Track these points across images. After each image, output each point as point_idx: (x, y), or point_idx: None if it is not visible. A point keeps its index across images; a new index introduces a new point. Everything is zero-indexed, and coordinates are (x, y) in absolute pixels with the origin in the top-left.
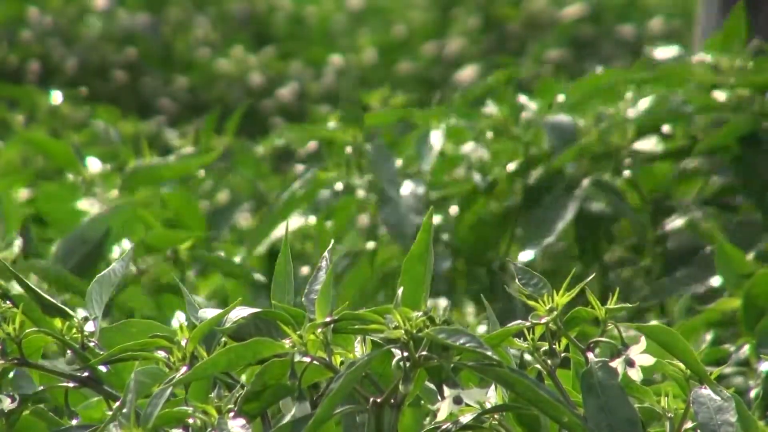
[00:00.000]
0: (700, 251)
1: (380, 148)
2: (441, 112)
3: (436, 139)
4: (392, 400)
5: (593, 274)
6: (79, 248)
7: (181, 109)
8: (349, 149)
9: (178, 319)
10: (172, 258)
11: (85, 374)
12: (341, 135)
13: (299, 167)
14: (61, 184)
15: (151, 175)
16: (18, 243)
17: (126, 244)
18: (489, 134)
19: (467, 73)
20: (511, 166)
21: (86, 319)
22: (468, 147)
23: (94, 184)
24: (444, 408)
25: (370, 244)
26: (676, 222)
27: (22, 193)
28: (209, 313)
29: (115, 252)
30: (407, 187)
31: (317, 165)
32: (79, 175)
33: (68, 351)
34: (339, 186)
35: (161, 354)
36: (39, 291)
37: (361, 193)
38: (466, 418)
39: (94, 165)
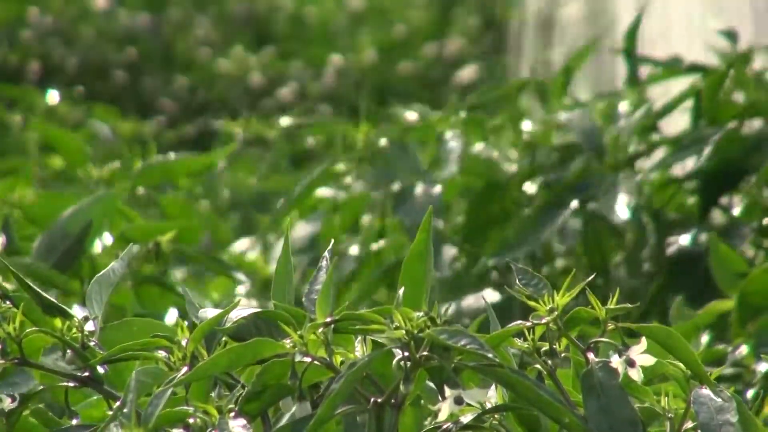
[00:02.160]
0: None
1: (398, 144)
2: (452, 116)
3: (454, 141)
4: (393, 401)
5: (593, 274)
6: (61, 243)
7: (181, 109)
8: (361, 143)
9: (177, 317)
10: (153, 251)
11: (86, 374)
12: (354, 131)
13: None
14: (57, 194)
15: (163, 172)
16: (0, 240)
17: (107, 238)
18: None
19: (467, 73)
20: (513, 167)
21: (86, 319)
22: (478, 147)
23: (102, 182)
24: (445, 408)
25: (378, 244)
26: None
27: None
28: (210, 312)
29: (97, 246)
30: (420, 187)
31: (328, 161)
32: (88, 175)
33: (68, 350)
34: (348, 180)
35: (162, 354)
36: (39, 290)
37: (374, 194)
38: (466, 418)
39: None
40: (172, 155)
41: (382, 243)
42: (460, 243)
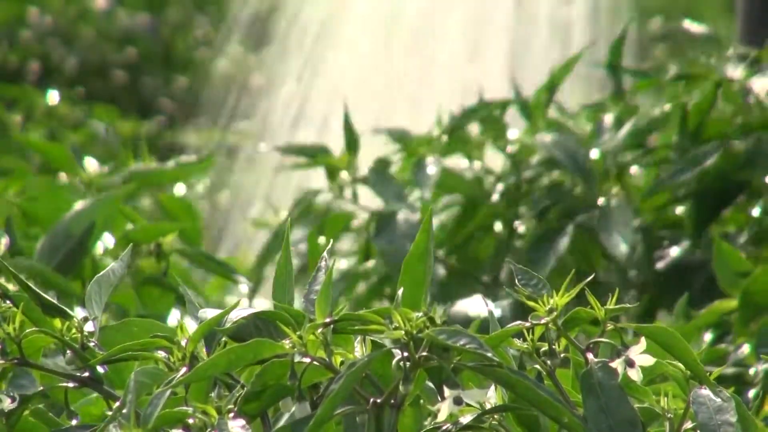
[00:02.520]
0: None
1: (379, 172)
2: (435, 139)
3: (432, 166)
4: (392, 401)
5: (593, 274)
6: (64, 244)
7: (180, 109)
8: (344, 175)
9: (177, 318)
10: (155, 252)
11: (85, 374)
12: (335, 162)
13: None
14: (53, 188)
15: (147, 180)
16: (3, 241)
17: (108, 239)
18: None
19: None
20: (500, 186)
21: (86, 319)
22: (461, 163)
23: (93, 186)
24: (444, 408)
25: (363, 266)
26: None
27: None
28: (209, 313)
29: (99, 247)
30: (402, 214)
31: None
32: (77, 177)
33: (68, 351)
34: (328, 197)
35: (161, 354)
36: (39, 291)
37: (355, 213)
38: (466, 419)
39: (91, 165)
40: (153, 164)
41: (366, 265)
42: (443, 258)
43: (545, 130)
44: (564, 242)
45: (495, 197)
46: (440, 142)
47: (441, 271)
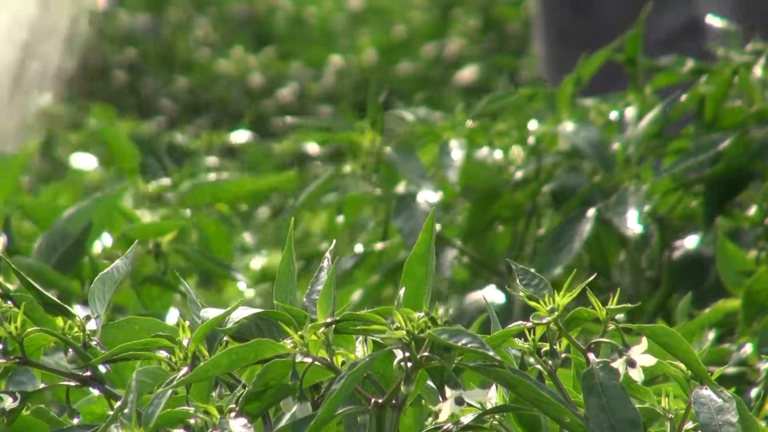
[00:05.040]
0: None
1: (403, 150)
2: (459, 123)
3: (457, 150)
4: (393, 401)
5: (595, 274)
6: (61, 243)
7: (181, 109)
8: (366, 149)
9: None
10: (153, 251)
11: (87, 373)
12: (359, 138)
13: (318, 164)
14: (58, 194)
15: (209, 195)
16: (1, 240)
17: (107, 238)
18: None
19: (467, 73)
20: (520, 174)
21: (88, 318)
22: (483, 152)
23: (154, 197)
24: (446, 408)
25: (380, 245)
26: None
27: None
28: (211, 312)
29: (97, 246)
30: (421, 195)
31: (336, 164)
32: (136, 188)
33: (70, 350)
34: (352, 182)
35: (163, 353)
36: (41, 289)
37: (376, 192)
38: (467, 419)
39: (90, 164)
40: (225, 175)
41: (382, 245)
42: (460, 244)
43: (569, 120)
44: (587, 228)
45: (514, 185)
46: (464, 128)
47: (454, 259)
